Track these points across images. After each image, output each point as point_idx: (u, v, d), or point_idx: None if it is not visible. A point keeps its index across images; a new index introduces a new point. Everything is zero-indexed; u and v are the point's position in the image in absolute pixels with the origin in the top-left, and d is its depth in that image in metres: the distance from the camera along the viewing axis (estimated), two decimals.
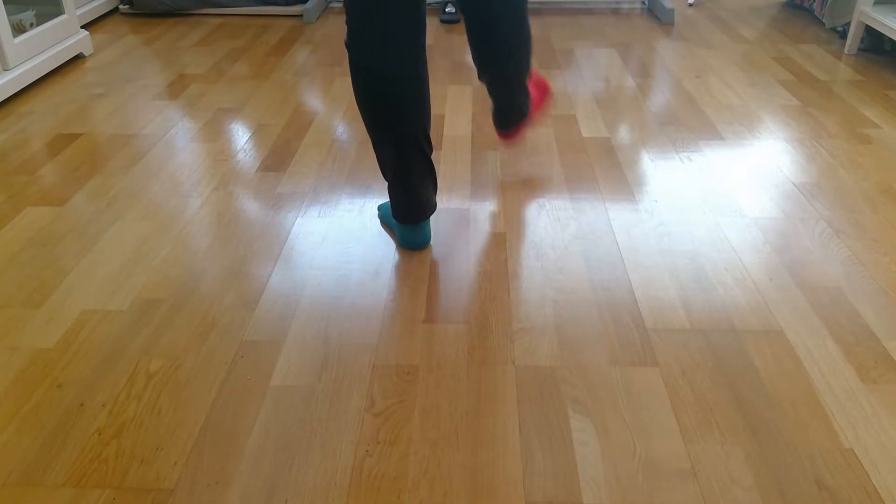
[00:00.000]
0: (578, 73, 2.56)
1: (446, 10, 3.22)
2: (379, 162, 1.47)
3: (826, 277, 1.45)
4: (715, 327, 1.31)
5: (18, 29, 2.41)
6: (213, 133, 2.09)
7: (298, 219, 1.66)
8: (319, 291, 1.41)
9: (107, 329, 1.31)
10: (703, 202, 1.72)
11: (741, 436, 1.09)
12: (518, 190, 1.78)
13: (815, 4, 3.10)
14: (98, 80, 2.49)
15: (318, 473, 1.03)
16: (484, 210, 1.69)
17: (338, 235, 1.60)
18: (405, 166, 1.42)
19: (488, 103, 2.28)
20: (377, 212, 1.68)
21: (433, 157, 1.94)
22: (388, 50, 1.30)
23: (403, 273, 1.47)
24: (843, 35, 2.90)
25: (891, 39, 2.69)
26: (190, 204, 1.72)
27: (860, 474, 1.02)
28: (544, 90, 1.91)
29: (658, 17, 3.24)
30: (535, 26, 3.13)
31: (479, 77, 1.62)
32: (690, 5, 3.43)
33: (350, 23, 1.31)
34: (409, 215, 1.49)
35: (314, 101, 2.32)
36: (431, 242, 1.57)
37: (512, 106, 1.71)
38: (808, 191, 1.76)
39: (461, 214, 1.67)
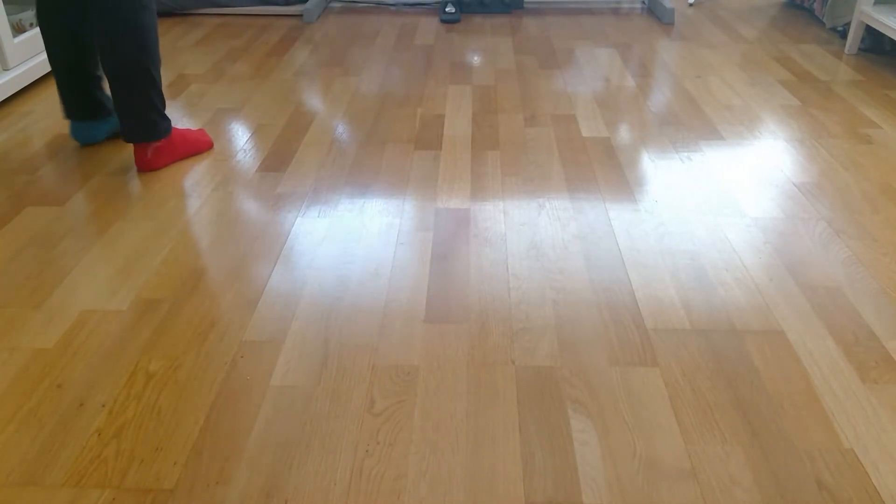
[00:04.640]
0: (578, 73, 2.56)
1: (446, 10, 3.22)
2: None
3: (826, 277, 1.45)
4: (715, 327, 1.31)
5: (18, 29, 2.41)
6: (213, 133, 2.08)
7: (298, 219, 1.66)
8: (319, 291, 1.41)
9: (107, 329, 1.31)
10: (703, 202, 1.72)
11: (741, 436, 1.08)
12: (518, 190, 1.78)
13: (815, 4, 3.10)
14: None
15: (318, 473, 1.03)
16: (484, 210, 1.69)
17: (338, 235, 1.60)
18: None
19: (487, 104, 2.29)
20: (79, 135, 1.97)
21: (433, 156, 1.94)
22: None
23: (403, 273, 1.47)
24: (844, 35, 2.90)
25: (891, 39, 2.69)
26: (190, 204, 1.72)
27: (860, 474, 1.02)
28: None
29: (658, 16, 3.24)
30: (536, 26, 3.13)
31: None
32: (690, 5, 3.43)
33: None
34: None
35: (314, 101, 2.32)
36: (431, 242, 1.57)
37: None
38: (808, 191, 1.76)
39: (461, 214, 1.67)
